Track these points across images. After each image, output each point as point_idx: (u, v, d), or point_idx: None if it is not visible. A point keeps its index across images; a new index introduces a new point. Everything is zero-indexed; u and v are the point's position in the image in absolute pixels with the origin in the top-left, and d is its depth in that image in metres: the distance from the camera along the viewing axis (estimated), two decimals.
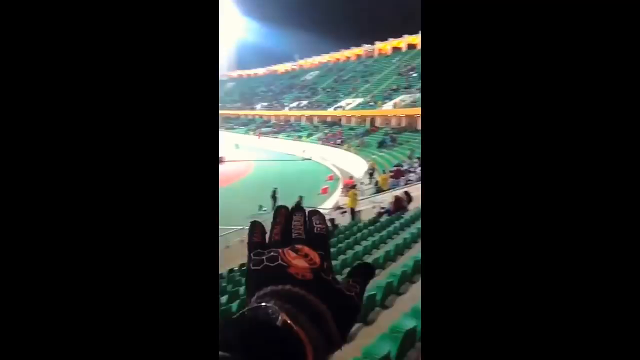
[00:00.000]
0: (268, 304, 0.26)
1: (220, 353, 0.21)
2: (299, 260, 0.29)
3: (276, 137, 32.70)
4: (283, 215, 0.34)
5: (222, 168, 21.55)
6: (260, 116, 41.84)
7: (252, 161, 23.37)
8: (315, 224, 0.33)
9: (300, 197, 10.11)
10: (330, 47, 50.61)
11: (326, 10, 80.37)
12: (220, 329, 0.24)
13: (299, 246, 0.31)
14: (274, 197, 11.80)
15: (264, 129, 36.42)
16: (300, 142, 28.80)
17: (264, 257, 0.30)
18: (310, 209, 0.36)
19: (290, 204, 0.35)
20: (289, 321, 0.25)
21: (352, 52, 45.93)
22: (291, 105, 39.59)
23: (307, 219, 0.34)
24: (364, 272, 0.33)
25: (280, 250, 0.30)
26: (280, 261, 0.29)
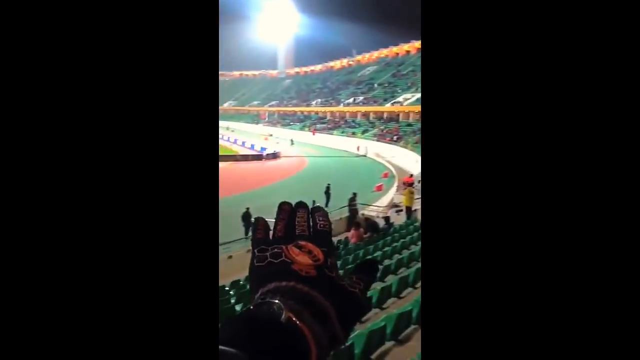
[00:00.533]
0: (272, 300, 0.26)
1: (225, 348, 0.21)
2: (302, 257, 0.30)
3: (331, 134, 32.85)
4: (286, 211, 0.34)
5: (277, 163, 22.17)
6: (316, 112, 42.29)
7: (306, 157, 23.74)
8: (318, 220, 0.33)
9: (354, 194, 10.04)
10: (389, 41, 49.71)
11: (386, 2, 78.96)
12: (224, 325, 0.24)
13: (302, 242, 0.31)
14: (327, 193, 11.85)
15: (318, 125, 36.78)
16: (355, 139, 28.66)
17: (267, 254, 0.30)
18: (314, 205, 0.35)
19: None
20: (293, 317, 0.25)
21: (412, 45, 44.58)
22: (347, 101, 39.50)
23: (310, 215, 0.34)
24: (368, 268, 0.33)
25: (283, 247, 0.30)
26: (283, 258, 0.29)
